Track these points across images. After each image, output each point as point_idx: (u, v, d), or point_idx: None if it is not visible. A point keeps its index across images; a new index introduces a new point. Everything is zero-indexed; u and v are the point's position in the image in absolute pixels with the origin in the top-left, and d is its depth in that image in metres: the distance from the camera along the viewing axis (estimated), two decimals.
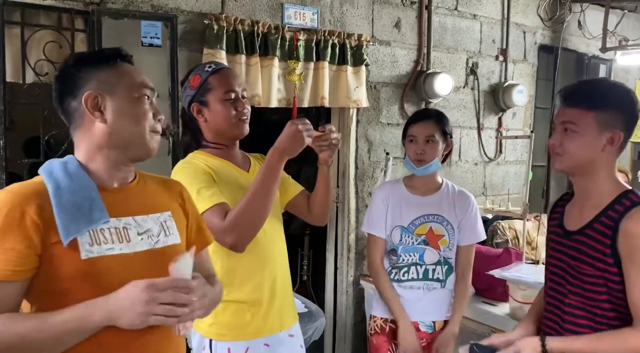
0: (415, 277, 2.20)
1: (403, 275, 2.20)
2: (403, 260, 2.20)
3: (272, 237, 1.75)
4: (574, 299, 1.46)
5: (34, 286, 1.09)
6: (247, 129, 1.76)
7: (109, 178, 1.21)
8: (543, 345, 1.40)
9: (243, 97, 1.75)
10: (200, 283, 1.13)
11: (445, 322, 2.24)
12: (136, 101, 1.20)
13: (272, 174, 1.55)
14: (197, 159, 1.71)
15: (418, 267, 2.19)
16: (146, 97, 1.22)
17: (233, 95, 1.71)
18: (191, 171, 1.64)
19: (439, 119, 2.16)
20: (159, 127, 1.24)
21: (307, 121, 1.56)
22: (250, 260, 1.68)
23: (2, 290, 1.05)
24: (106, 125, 1.17)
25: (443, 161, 2.24)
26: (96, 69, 1.19)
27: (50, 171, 1.16)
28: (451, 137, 2.20)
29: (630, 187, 1.46)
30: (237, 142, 1.82)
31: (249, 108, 1.76)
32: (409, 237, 2.18)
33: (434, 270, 2.20)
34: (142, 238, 1.19)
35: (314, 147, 1.71)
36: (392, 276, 2.22)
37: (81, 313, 1.05)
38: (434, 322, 2.22)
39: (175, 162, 2.58)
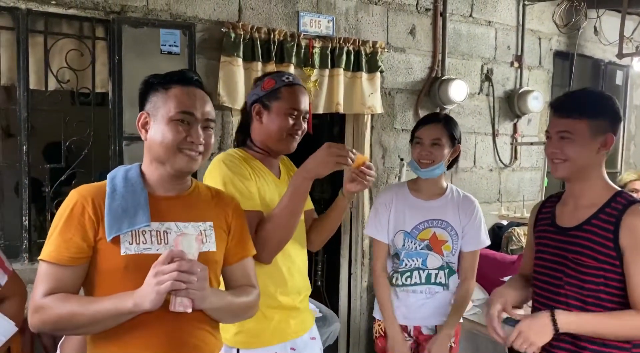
0: (418, 281, 2.18)
1: (406, 280, 2.18)
2: (406, 264, 2.18)
3: (295, 244, 1.76)
4: (570, 290, 1.56)
5: (87, 274, 1.28)
6: (293, 146, 1.76)
7: (159, 186, 1.36)
8: (553, 321, 1.48)
9: (304, 118, 1.76)
10: (202, 268, 1.22)
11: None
12: (170, 124, 1.31)
13: (298, 193, 1.57)
14: (236, 156, 1.72)
15: (421, 271, 2.17)
16: (181, 121, 1.31)
17: (296, 113, 1.72)
18: (235, 166, 1.66)
19: (447, 123, 2.12)
20: (188, 148, 1.32)
21: (345, 147, 1.55)
22: (275, 266, 1.68)
23: (60, 273, 1.25)
24: (146, 142, 1.35)
25: (450, 166, 2.21)
26: (155, 91, 1.35)
27: (114, 176, 1.35)
28: (459, 142, 2.17)
29: (619, 188, 1.60)
30: (279, 156, 1.83)
31: (305, 128, 1.78)
32: (412, 242, 2.16)
33: (436, 275, 2.18)
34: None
35: (348, 173, 1.71)
36: (395, 280, 2.20)
37: (116, 300, 1.21)
38: (436, 326, 2.20)
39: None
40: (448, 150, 2.12)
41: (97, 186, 1.34)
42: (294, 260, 1.76)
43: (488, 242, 2.24)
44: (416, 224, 2.16)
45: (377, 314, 2.29)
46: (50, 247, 1.25)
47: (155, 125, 1.32)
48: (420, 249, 2.16)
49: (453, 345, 2.19)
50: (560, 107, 1.59)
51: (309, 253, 1.88)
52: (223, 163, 1.66)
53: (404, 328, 2.21)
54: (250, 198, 1.62)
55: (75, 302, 1.23)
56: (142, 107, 1.37)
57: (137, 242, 1.27)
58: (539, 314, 1.52)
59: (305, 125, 1.77)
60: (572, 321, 1.49)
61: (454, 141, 2.14)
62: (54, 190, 2.70)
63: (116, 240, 1.26)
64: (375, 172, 1.69)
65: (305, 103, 1.75)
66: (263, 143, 1.75)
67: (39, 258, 1.27)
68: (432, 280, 2.18)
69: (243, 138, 1.80)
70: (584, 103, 1.57)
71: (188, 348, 1.30)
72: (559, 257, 1.61)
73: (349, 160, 1.53)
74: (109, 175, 1.36)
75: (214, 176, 1.65)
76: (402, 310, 2.20)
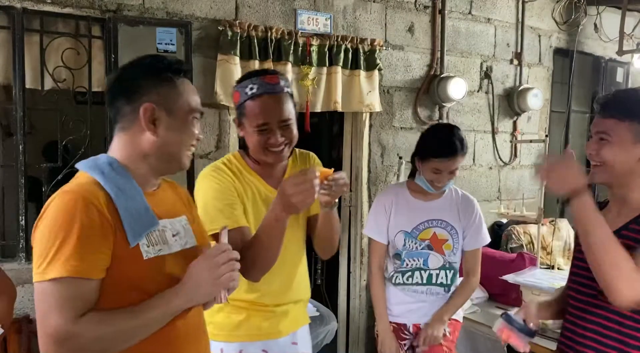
0: (419, 281, 2.19)
1: (407, 279, 2.19)
2: (407, 264, 2.18)
3: (287, 246, 1.65)
4: (605, 299, 1.39)
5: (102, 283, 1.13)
6: (279, 157, 1.64)
7: (147, 183, 1.25)
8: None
9: (284, 121, 1.60)
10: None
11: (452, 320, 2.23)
12: (189, 123, 1.24)
13: (271, 230, 1.45)
14: (231, 164, 1.67)
15: (422, 271, 2.18)
16: (197, 119, 1.27)
17: (265, 127, 1.59)
18: (217, 182, 1.60)
19: (463, 149, 2.07)
20: (194, 147, 1.29)
21: (303, 174, 1.35)
22: None
23: (88, 289, 1.08)
24: (156, 138, 1.20)
25: None
26: (158, 81, 1.21)
27: (102, 171, 1.17)
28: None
29: None
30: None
31: (289, 136, 1.62)
32: (412, 242, 2.17)
33: (437, 275, 2.19)
34: (175, 240, 1.25)
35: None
36: (396, 280, 2.21)
37: (165, 301, 1.14)
38: None
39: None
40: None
41: (91, 184, 1.15)
42: (282, 267, 1.64)
43: (489, 239, 2.26)
44: (416, 224, 2.17)
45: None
46: (73, 261, 1.05)
47: (172, 121, 1.21)
48: (421, 249, 2.17)
49: (448, 334, 2.18)
50: (603, 105, 1.45)
51: (308, 251, 1.82)
52: (205, 179, 1.62)
53: (403, 326, 2.21)
54: (230, 216, 1.54)
55: (120, 318, 1.09)
56: (131, 96, 1.20)
57: (151, 244, 1.18)
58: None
59: (288, 133, 1.62)
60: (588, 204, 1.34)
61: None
62: (51, 189, 2.69)
63: (136, 245, 1.15)
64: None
65: (277, 111, 1.59)
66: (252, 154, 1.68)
67: (52, 277, 1.05)
68: (434, 281, 2.19)
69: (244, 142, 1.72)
70: (629, 103, 1.43)
71: (194, 342, 1.28)
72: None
73: (315, 186, 1.36)
74: (92, 171, 1.18)
75: (198, 192, 1.62)
76: (401, 308, 2.21)
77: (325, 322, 2.51)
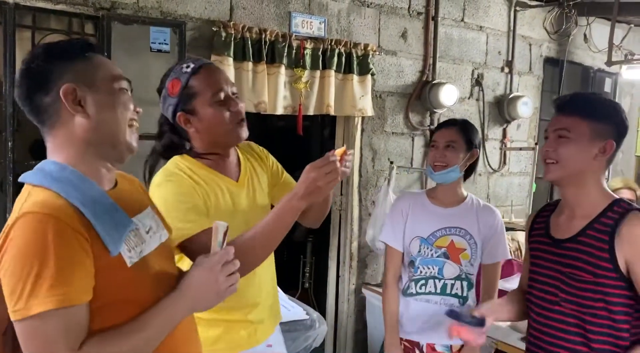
0: (433, 291, 2.05)
1: (420, 288, 2.06)
2: (421, 272, 2.06)
3: None
4: (567, 307, 1.47)
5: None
6: (245, 132, 1.54)
7: (102, 180, 1.12)
8: None
9: (234, 94, 1.51)
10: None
11: (462, 346, 2.06)
12: (117, 93, 1.12)
13: (283, 220, 1.35)
14: (182, 168, 1.51)
15: (436, 280, 2.05)
16: (125, 89, 1.14)
17: (223, 95, 1.48)
18: (176, 188, 1.45)
19: (463, 127, 2.07)
20: (136, 121, 1.17)
21: (327, 159, 1.31)
22: None
23: (80, 314, 0.99)
24: (89, 120, 1.08)
25: (468, 173, 2.14)
26: (69, 61, 1.09)
27: (57, 180, 1.05)
28: (477, 147, 2.08)
29: (617, 197, 1.50)
30: (233, 148, 1.62)
31: (243, 105, 1.54)
32: (428, 248, 2.05)
33: (452, 285, 2.05)
34: (150, 236, 1.16)
35: None
36: (409, 290, 2.09)
37: (167, 314, 1.08)
38: (450, 346, 2.07)
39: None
40: (463, 154, 2.04)
41: (52, 198, 1.01)
42: (253, 272, 1.50)
43: (508, 255, 2.14)
44: (433, 231, 2.06)
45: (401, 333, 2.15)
46: (57, 289, 0.94)
47: (98, 97, 1.08)
48: (437, 257, 2.05)
49: None
50: (564, 105, 1.51)
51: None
52: (160, 187, 1.46)
53: (416, 345, 2.09)
54: (197, 220, 1.40)
55: (122, 338, 1.01)
56: (46, 85, 1.07)
57: (131, 247, 1.08)
58: None
59: (242, 104, 1.54)
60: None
61: (471, 145, 2.06)
62: None
63: (118, 254, 1.05)
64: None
65: (223, 80, 1.51)
66: (210, 146, 1.54)
67: (38, 311, 0.94)
68: (448, 291, 2.05)
69: (175, 151, 1.56)
70: (589, 103, 1.50)
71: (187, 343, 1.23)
72: (553, 271, 1.52)
73: (338, 169, 1.31)
74: (47, 182, 1.04)
75: (159, 196, 1.43)
76: (415, 324, 2.08)
77: (314, 325, 2.50)
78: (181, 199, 1.43)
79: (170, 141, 1.57)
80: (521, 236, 3.61)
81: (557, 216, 1.58)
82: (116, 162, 1.16)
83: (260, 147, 1.77)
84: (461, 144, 2.04)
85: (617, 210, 1.44)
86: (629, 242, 1.38)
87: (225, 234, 1.16)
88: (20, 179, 1.09)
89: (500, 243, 2.11)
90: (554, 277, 1.52)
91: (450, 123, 2.11)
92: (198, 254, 1.18)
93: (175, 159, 1.54)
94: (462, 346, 2.06)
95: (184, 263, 1.43)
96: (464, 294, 2.06)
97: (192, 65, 1.49)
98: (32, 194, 1.03)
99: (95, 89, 1.09)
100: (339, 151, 1.36)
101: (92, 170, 1.10)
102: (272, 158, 1.77)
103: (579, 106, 1.49)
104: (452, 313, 1.62)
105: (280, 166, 1.77)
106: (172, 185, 1.45)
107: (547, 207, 1.68)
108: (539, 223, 1.64)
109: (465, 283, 2.06)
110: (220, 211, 1.50)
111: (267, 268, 1.69)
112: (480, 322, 1.56)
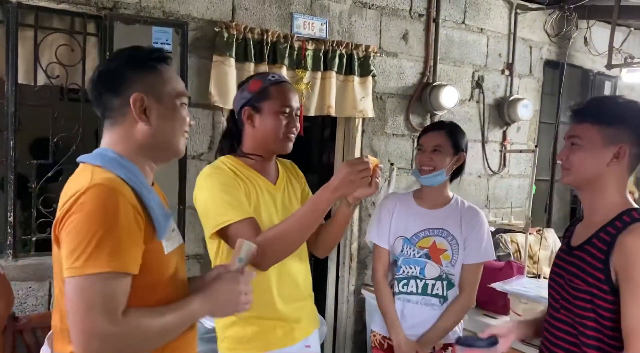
0: (414, 290, 2.10)
1: (402, 287, 2.12)
2: (403, 271, 2.11)
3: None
4: (564, 314, 1.47)
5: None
6: (290, 147, 1.71)
7: (147, 176, 1.23)
8: None
9: (296, 115, 1.71)
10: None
11: (445, 345, 2.11)
12: (178, 108, 1.25)
13: (316, 211, 1.48)
14: (228, 164, 1.67)
15: (418, 280, 2.10)
16: (185, 104, 1.27)
17: (288, 110, 1.67)
18: (222, 178, 1.61)
19: (450, 131, 2.10)
20: (187, 132, 1.30)
21: (363, 159, 1.45)
22: (262, 276, 1.57)
23: (127, 284, 1.07)
24: (150, 127, 1.20)
25: (454, 176, 2.18)
26: (142, 71, 1.21)
27: (123, 166, 1.16)
28: (463, 150, 2.12)
29: (636, 206, 1.44)
30: (274, 157, 1.78)
31: (299, 126, 1.73)
32: (410, 248, 2.10)
33: (433, 286, 2.09)
34: (175, 235, 1.26)
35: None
36: (392, 288, 2.14)
37: (192, 310, 1.16)
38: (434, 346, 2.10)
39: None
40: (450, 158, 2.08)
41: (113, 178, 1.12)
42: (288, 270, 1.69)
43: (493, 257, 2.15)
44: (417, 231, 2.11)
45: (374, 325, 2.23)
46: (116, 255, 1.03)
47: (162, 109, 1.21)
48: (419, 257, 2.10)
49: None
50: (576, 112, 1.49)
51: None
52: (209, 177, 1.62)
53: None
54: (239, 208, 1.55)
55: (161, 314, 1.10)
56: (118, 89, 1.19)
57: (167, 238, 1.19)
58: None
59: (298, 124, 1.72)
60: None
61: (457, 149, 2.10)
62: (40, 186, 2.66)
63: (159, 241, 1.16)
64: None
65: (295, 100, 1.71)
66: (258, 146, 1.70)
67: (93, 272, 1.02)
68: (429, 291, 2.10)
69: (230, 144, 1.76)
70: (601, 108, 1.46)
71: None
72: (560, 278, 1.51)
73: (370, 170, 1.45)
74: (109, 165, 1.15)
75: (202, 190, 1.62)
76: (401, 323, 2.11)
77: None
78: (227, 190, 1.58)
79: (229, 131, 1.78)
80: (521, 238, 3.61)
81: (581, 224, 1.55)
82: (162, 162, 1.28)
83: (299, 170, 1.93)
84: (448, 148, 2.08)
85: (625, 220, 1.38)
86: (622, 253, 1.32)
87: (248, 254, 1.26)
88: (80, 158, 1.20)
89: (482, 245, 2.11)
90: (559, 284, 1.51)
91: (438, 126, 2.15)
92: (233, 242, 1.31)
93: (222, 158, 1.71)
94: (444, 345, 2.12)
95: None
96: (444, 294, 2.10)
97: (277, 77, 1.71)
98: (96, 172, 1.13)
99: (161, 102, 1.21)
100: (372, 159, 1.48)
101: (141, 166, 1.21)
102: (305, 181, 1.91)
103: (589, 112, 1.45)
104: (461, 340, 1.60)
105: (310, 192, 1.88)
106: (220, 176, 1.62)
107: (580, 217, 1.63)
108: (568, 231, 1.61)
109: (445, 283, 2.11)
110: (259, 207, 1.64)
111: (304, 271, 1.80)
112: (491, 342, 1.55)
